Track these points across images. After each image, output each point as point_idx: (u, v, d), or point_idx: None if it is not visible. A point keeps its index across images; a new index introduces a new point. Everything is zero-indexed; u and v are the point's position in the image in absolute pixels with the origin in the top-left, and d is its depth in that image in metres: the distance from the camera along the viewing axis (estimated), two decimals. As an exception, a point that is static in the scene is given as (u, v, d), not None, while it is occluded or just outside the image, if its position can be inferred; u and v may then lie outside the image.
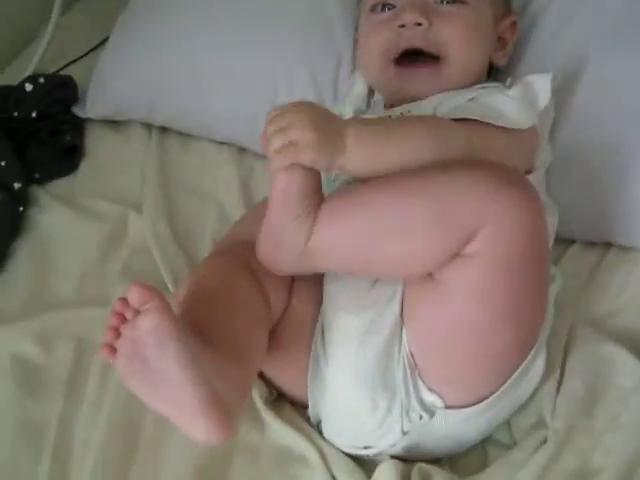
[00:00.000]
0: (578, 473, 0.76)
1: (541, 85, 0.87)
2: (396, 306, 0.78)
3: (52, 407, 0.85)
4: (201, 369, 0.67)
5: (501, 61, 0.98)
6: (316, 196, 0.75)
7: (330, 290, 0.82)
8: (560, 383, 0.82)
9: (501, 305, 0.73)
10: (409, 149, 0.76)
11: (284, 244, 0.75)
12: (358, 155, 0.74)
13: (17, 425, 0.83)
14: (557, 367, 0.83)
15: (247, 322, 0.78)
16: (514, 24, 0.98)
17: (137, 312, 0.67)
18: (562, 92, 0.94)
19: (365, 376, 0.78)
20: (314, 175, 0.75)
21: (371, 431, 0.79)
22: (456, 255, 0.71)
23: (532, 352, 0.78)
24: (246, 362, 0.75)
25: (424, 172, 0.73)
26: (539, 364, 0.80)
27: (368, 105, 1.02)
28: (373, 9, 0.95)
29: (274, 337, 0.82)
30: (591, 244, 0.99)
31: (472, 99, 0.86)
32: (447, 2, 0.91)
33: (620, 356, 0.84)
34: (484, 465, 0.81)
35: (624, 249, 0.97)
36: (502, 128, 0.82)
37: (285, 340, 0.83)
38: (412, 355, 0.77)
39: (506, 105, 0.84)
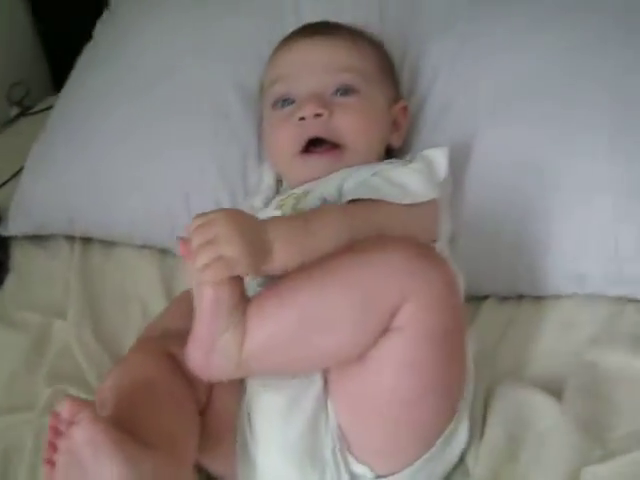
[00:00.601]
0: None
1: (438, 158, 0.94)
2: (318, 381, 0.80)
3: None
4: (138, 471, 0.68)
5: (396, 142, 1.05)
6: (243, 304, 0.76)
7: None
8: (482, 433, 0.84)
9: (426, 376, 0.75)
10: (327, 241, 0.79)
11: (217, 355, 0.75)
12: (285, 257, 0.76)
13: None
14: (480, 418, 0.85)
15: (178, 416, 0.79)
16: (405, 108, 1.06)
17: (70, 424, 0.69)
18: (456, 163, 1.00)
19: (293, 454, 0.78)
20: (240, 283, 0.76)
21: None
22: (381, 332, 0.74)
23: (456, 415, 0.80)
24: (181, 455, 0.76)
25: (340, 261, 0.76)
26: (463, 429, 0.82)
27: (277, 193, 1.07)
28: (274, 106, 1.02)
29: (201, 426, 0.82)
30: (504, 298, 1.02)
31: (375, 173, 0.91)
32: (341, 94, 0.98)
33: (536, 400, 0.86)
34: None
35: (536, 299, 1.01)
36: (406, 206, 0.87)
37: (212, 428, 0.83)
38: (340, 428, 0.78)
39: (409, 178, 0.90)
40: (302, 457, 0.78)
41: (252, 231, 0.75)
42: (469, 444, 0.83)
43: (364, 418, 0.77)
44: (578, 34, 1.05)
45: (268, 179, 1.08)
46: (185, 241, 0.74)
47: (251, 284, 0.86)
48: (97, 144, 1.15)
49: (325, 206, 0.90)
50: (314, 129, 0.96)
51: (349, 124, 0.97)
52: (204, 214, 0.75)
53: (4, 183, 1.30)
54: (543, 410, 0.85)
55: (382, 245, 0.77)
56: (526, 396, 0.87)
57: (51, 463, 0.71)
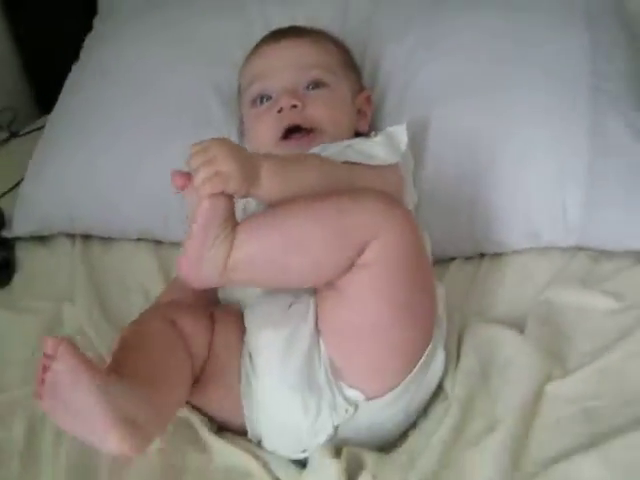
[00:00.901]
0: (483, 428, 0.88)
1: (397, 132, 1.08)
2: (311, 320, 0.92)
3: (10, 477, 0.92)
4: (112, 396, 0.80)
5: (363, 128, 1.18)
6: (232, 219, 0.87)
7: (251, 316, 0.95)
8: (457, 362, 0.96)
9: (395, 304, 0.88)
10: (309, 180, 0.92)
11: (206, 262, 0.86)
12: (270, 184, 0.89)
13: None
14: (454, 352, 0.98)
15: (165, 361, 0.90)
16: (368, 97, 1.20)
17: (52, 358, 0.80)
18: (415, 141, 1.13)
19: (293, 384, 0.89)
20: (231, 202, 0.87)
21: (306, 431, 0.90)
22: (352, 265, 0.86)
23: (431, 344, 0.92)
24: (163, 393, 0.87)
25: (325, 196, 0.89)
26: (439, 357, 0.94)
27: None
28: (253, 103, 1.15)
29: (204, 374, 0.94)
30: (468, 258, 1.16)
31: (347, 146, 1.05)
32: (312, 88, 1.12)
33: (502, 333, 0.99)
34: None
35: (496, 256, 1.15)
36: (373, 167, 1.00)
37: (215, 373, 0.94)
38: (331, 359, 0.90)
39: (374, 149, 1.04)
40: (301, 386, 0.89)
41: (244, 156, 0.88)
42: (446, 372, 0.95)
43: (349, 348, 0.89)
44: (513, 27, 1.21)
45: None
46: (180, 174, 0.87)
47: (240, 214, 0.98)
48: (91, 149, 1.26)
49: (309, 154, 1.02)
50: (291, 118, 1.10)
51: (320, 112, 1.10)
52: (201, 142, 0.87)
53: (5, 193, 1.39)
54: (508, 340, 0.98)
55: (359, 190, 0.90)
56: (493, 330, 1.00)
57: (40, 395, 0.82)
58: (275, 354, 0.90)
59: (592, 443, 0.84)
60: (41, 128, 1.56)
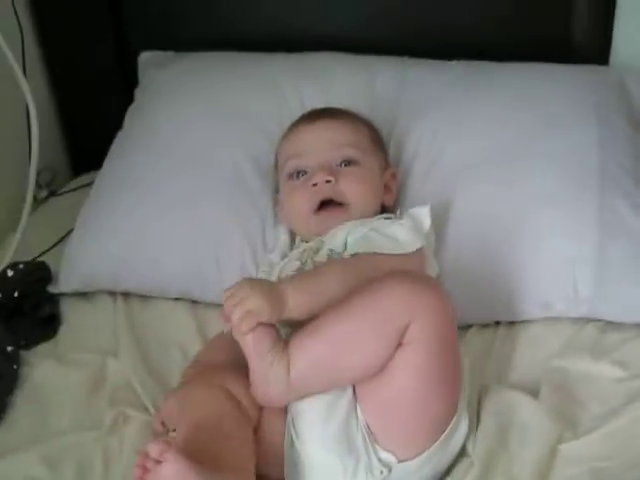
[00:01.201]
0: (503, 484, 0.97)
1: (422, 214, 1.19)
2: (349, 389, 1.01)
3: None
4: None
5: (389, 202, 1.29)
6: (280, 341, 0.98)
7: None
8: (477, 426, 1.05)
9: (433, 380, 0.97)
10: (331, 287, 1.03)
11: (272, 385, 0.97)
12: (297, 305, 1.00)
13: None
14: (475, 415, 1.06)
15: (240, 442, 0.98)
16: (394, 174, 1.31)
17: (158, 462, 0.86)
18: (437, 217, 1.24)
19: (332, 446, 0.98)
20: (272, 327, 0.99)
21: None
22: (398, 348, 0.95)
23: (457, 411, 1.01)
24: (246, 475, 0.95)
25: (355, 296, 0.98)
26: (464, 422, 1.03)
27: (291, 249, 1.29)
28: (290, 177, 1.26)
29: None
30: (484, 326, 1.25)
31: (372, 229, 1.15)
32: (345, 165, 1.24)
33: (518, 397, 1.08)
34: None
35: (510, 324, 1.24)
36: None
37: (263, 434, 1.02)
38: (367, 424, 0.99)
39: (399, 232, 1.15)
40: (341, 449, 0.98)
41: (268, 288, 1.00)
42: (468, 433, 1.03)
43: (386, 417, 0.98)
44: (529, 122, 1.33)
45: (283, 237, 1.31)
46: (223, 316, 1.01)
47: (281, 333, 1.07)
48: (138, 213, 1.36)
49: (329, 260, 1.14)
50: (325, 192, 1.21)
51: (351, 187, 1.22)
52: (231, 287, 1.00)
53: (49, 249, 1.47)
54: (523, 405, 1.07)
55: (385, 278, 0.99)
56: (510, 395, 1.09)
57: None
58: (317, 419, 0.99)
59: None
60: (78, 188, 1.68)
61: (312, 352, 0.98)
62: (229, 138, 1.41)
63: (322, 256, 1.15)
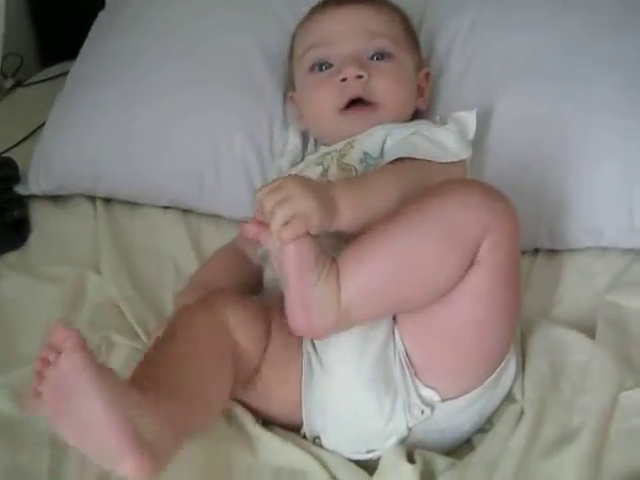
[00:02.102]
0: (560, 435, 0.83)
1: (468, 120, 1.02)
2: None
3: (40, 456, 0.84)
4: (123, 407, 0.69)
5: (422, 106, 1.12)
6: (324, 256, 0.79)
7: None
8: (523, 365, 0.91)
9: (499, 306, 0.82)
10: (385, 196, 0.85)
11: (316, 311, 0.78)
12: (348, 210, 0.82)
13: (8, 478, 0.82)
14: (520, 355, 0.92)
15: (206, 375, 0.80)
16: (428, 74, 1.13)
17: (59, 353, 0.69)
18: (478, 124, 1.05)
19: (368, 380, 0.83)
20: (317, 239, 0.79)
21: (377, 432, 0.84)
22: (469, 269, 0.79)
23: (511, 348, 0.87)
24: (192, 412, 0.77)
25: (419, 204, 0.80)
26: (513, 360, 0.89)
27: (303, 156, 1.12)
28: (312, 69, 1.07)
29: (259, 373, 0.86)
30: (522, 252, 1.08)
31: (414, 132, 0.98)
32: (377, 58, 1.05)
33: (570, 335, 0.94)
34: (472, 449, 0.86)
35: (551, 252, 1.09)
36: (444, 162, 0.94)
37: (273, 372, 0.86)
38: (407, 354, 0.83)
39: (446, 137, 0.98)
40: (377, 382, 0.83)
41: (319, 189, 0.80)
42: (515, 377, 0.89)
43: (433, 346, 0.83)
44: (592, 19, 1.14)
45: (294, 141, 1.14)
46: (251, 223, 0.80)
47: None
48: (125, 105, 1.17)
49: (377, 168, 0.96)
50: (355, 90, 1.02)
51: (385, 87, 1.03)
52: (269, 183, 0.81)
53: (15, 145, 1.29)
54: (578, 343, 0.93)
55: (455, 185, 0.82)
56: (559, 332, 0.95)
57: (37, 393, 0.71)
58: (349, 348, 0.83)
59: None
60: (48, 79, 1.50)
61: (369, 271, 0.79)
62: (232, 22, 1.21)
63: (353, 159, 0.97)
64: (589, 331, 0.95)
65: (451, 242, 0.78)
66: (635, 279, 1.03)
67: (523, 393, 0.88)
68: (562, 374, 0.90)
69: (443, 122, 1.03)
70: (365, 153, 0.99)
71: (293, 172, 1.04)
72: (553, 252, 1.10)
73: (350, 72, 1.02)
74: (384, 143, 0.99)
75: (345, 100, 1.03)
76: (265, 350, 0.86)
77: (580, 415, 0.84)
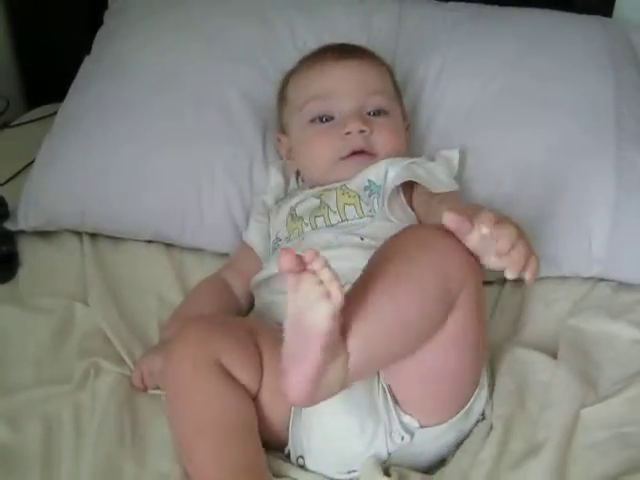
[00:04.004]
0: (526, 449, 0.89)
1: (454, 157, 1.13)
2: None
3: (31, 480, 0.87)
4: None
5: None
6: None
7: None
8: (492, 384, 0.97)
9: (472, 345, 0.87)
10: None
11: (321, 391, 0.79)
12: None
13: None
14: (489, 374, 0.98)
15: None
16: (409, 126, 1.21)
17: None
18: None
19: (352, 405, 0.87)
20: None
21: (359, 454, 0.88)
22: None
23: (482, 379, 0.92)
24: None
25: (411, 258, 0.82)
26: (485, 387, 0.94)
27: (285, 193, 1.19)
28: (313, 120, 1.13)
29: (257, 397, 0.89)
30: (488, 283, 1.14)
31: (413, 162, 1.08)
32: (374, 114, 1.12)
33: (534, 356, 1.00)
34: (445, 464, 0.91)
35: (515, 282, 1.11)
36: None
37: (267, 393, 0.89)
38: (390, 388, 0.88)
39: (438, 170, 1.08)
40: (361, 409, 0.87)
41: None
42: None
43: (412, 384, 0.87)
44: (542, 63, 1.23)
45: (277, 179, 1.20)
46: (292, 255, 0.74)
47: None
48: (109, 145, 1.22)
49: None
50: (358, 143, 1.10)
51: (385, 140, 1.11)
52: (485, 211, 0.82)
53: (7, 181, 1.34)
54: (541, 364, 0.99)
55: (439, 238, 0.84)
56: (524, 354, 1.01)
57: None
58: None
59: (635, 467, 0.85)
60: (35, 120, 1.54)
61: (376, 347, 0.81)
62: (211, 66, 1.28)
63: (357, 186, 1.08)
64: (552, 353, 1.02)
65: (442, 297, 0.82)
66: (594, 304, 1.10)
67: (492, 410, 0.94)
68: (527, 392, 0.96)
69: (430, 160, 1.13)
70: (370, 181, 1.07)
71: (290, 204, 1.12)
72: (518, 281, 1.15)
73: (355, 127, 1.09)
74: (387, 172, 1.06)
75: (348, 151, 1.10)
76: (261, 380, 0.89)
77: (544, 430, 0.90)
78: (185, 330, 0.89)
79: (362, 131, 1.10)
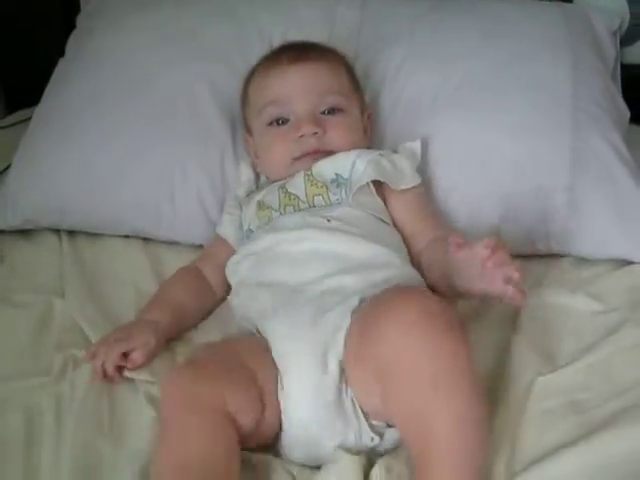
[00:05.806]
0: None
1: (416, 150, 1.18)
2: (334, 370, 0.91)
3: (12, 473, 0.90)
4: None
5: (368, 143, 1.22)
6: None
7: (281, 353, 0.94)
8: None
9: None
10: None
11: None
12: None
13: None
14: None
15: None
16: (370, 115, 1.24)
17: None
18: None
19: (324, 413, 0.90)
20: None
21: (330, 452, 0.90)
22: None
23: None
24: None
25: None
26: None
27: (256, 186, 1.24)
28: (270, 124, 1.17)
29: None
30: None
31: (381, 154, 1.13)
32: (328, 113, 1.16)
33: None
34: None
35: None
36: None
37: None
38: (357, 398, 0.91)
39: (402, 162, 1.14)
40: (330, 414, 0.90)
41: None
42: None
43: (373, 398, 0.88)
44: (500, 52, 1.27)
45: (247, 174, 1.25)
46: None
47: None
48: (85, 143, 1.26)
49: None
50: (312, 145, 1.14)
51: (339, 137, 1.15)
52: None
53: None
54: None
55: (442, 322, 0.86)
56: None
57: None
58: (307, 387, 0.91)
59: (580, 435, 0.88)
60: (14, 124, 1.56)
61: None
62: (182, 64, 1.32)
63: (324, 178, 1.11)
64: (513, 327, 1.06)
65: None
66: (554, 279, 1.15)
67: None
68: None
69: (394, 152, 1.17)
70: (337, 174, 1.11)
71: (257, 198, 1.16)
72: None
73: (307, 130, 1.13)
74: (353, 165, 1.10)
75: (300, 154, 1.14)
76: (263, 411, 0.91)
77: (500, 400, 0.94)
78: (185, 370, 0.92)
79: (315, 133, 1.13)
